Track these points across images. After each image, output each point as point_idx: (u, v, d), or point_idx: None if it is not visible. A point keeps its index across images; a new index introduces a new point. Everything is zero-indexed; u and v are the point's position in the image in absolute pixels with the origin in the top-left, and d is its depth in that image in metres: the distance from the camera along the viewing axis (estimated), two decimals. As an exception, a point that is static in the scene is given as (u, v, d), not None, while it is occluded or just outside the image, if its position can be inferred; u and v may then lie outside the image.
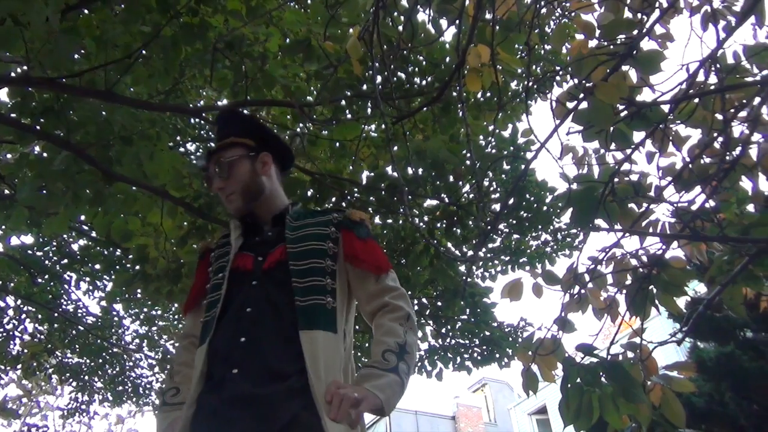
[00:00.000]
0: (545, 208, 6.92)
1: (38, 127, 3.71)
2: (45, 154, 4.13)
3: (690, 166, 2.55)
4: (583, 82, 2.57)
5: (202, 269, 1.80)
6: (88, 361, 9.20)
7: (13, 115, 3.97)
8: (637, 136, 2.53)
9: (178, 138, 5.68)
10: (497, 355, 6.44)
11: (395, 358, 1.43)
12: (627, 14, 2.56)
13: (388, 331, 1.48)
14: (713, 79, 2.57)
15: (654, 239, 2.52)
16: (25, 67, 3.58)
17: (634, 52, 2.49)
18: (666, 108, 2.54)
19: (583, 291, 2.56)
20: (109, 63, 3.25)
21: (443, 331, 6.46)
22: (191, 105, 5.57)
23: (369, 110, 5.14)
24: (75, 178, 3.89)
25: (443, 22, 3.62)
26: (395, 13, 2.95)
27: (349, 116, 5.26)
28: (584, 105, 2.50)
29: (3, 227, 6.10)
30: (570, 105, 2.58)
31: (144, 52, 3.52)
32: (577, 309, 2.57)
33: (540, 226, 7.29)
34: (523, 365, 2.62)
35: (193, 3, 3.42)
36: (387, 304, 1.56)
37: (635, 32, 2.57)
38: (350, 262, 1.61)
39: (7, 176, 5.68)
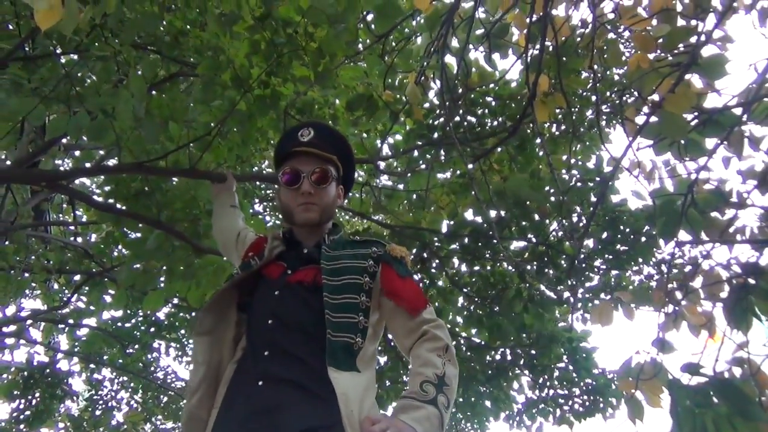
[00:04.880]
0: (643, 238, 6.72)
1: (131, 210, 4.16)
2: (139, 235, 4.59)
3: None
4: (649, 96, 2.66)
5: (262, 239, 1.89)
6: (180, 425, 9.64)
7: (100, 199, 4.49)
8: (709, 142, 2.57)
9: (245, 200, 6.13)
10: (601, 405, 6.14)
11: (434, 389, 1.43)
12: (681, 22, 2.65)
13: (426, 362, 1.49)
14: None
15: (745, 247, 2.50)
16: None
17: (697, 59, 2.56)
18: (738, 110, 2.57)
19: (677, 308, 2.56)
20: (192, 141, 3.64)
21: (540, 381, 6.28)
22: (255, 168, 6.01)
23: (442, 157, 5.33)
24: (168, 255, 4.30)
25: (496, 58, 3.80)
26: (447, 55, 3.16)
27: (423, 166, 5.47)
28: (652, 119, 2.59)
29: (95, 304, 6.72)
30: (638, 120, 2.67)
31: (221, 127, 3.90)
32: (673, 327, 2.56)
33: (641, 259, 7.05)
34: (626, 393, 2.61)
35: (264, 76, 3.77)
36: (425, 333, 1.57)
37: (694, 39, 2.64)
38: (389, 299, 1.64)
39: (96, 255, 6.30)
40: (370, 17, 3.52)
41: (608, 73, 4.60)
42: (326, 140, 1.82)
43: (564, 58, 3.00)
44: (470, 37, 3.15)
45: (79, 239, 7.06)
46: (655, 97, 2.63)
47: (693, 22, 2.61)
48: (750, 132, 2.72)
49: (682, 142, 2.62)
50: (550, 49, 3.25)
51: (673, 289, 2.57)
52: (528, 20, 2.77)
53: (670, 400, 2.37)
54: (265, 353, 1.55)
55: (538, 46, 2.73)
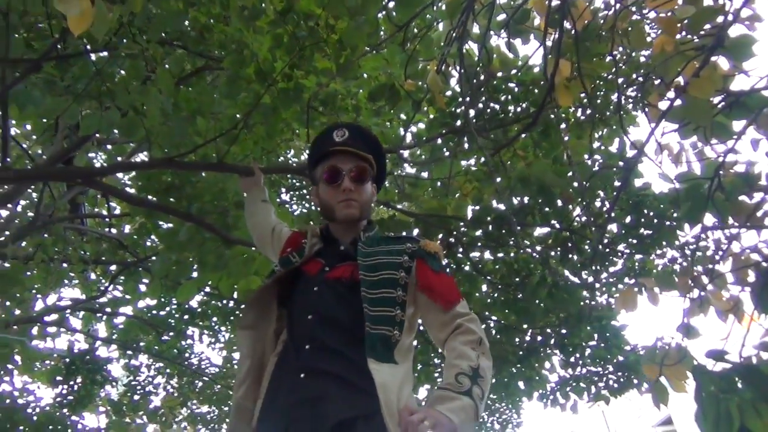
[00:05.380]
0: (668, 222, 6.58)
1: (162, 203, 4.21)
2: (170, 225, 4.65)
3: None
4: (674, 80, 2.57)
5: (299, 235, 1.95)
6: (214, 408, 9.94)
7: (132, 191, 4.54)
8: (737, 125, 2.48)
9: (272, 189, 6.15)
10: (635, 381, 6.09)
11: (469, 381, 1.45)
12: (707, 2, 2.55)
13: (461, 355, 1.52)
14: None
15: (773, 230, 2.42)
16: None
17: (723, 41, 2.47)
18: (767, 92, 2.47)
19: (702, 293, 2.49)
20: (219, 136, 3.65)
21: (572, 360, 6.24)
22: (281, 158, 6.03)
23: (466, 145, 5.28)
24: (199, 247, 4.34)
25: (518, 43, 3.73)
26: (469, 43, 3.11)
27: (446, 153, 5.42)
28: (677, 102, 2.51)
29: (131, 293, 6.86)
30: (662, 106, 2.59)
31: (247, 119, 3.91)
32: (699, 312, 2.50)
33: (664, 243, 6.93)
34: (651, 378, 2.56)
35: (287, 69, 3.76)
36: (459, 326, 1.60)
37: (720, 19, 2.55)
38: (424, 293, 1.67)
39: (130, 246, 6.42)
40: (391, 5, 3.48)
41: (633, 55, 4.46)
42: (360, 140, 1.85)
43: (587, 43, 2.91)
44: (491, 23, 3.08)
45: (114, 230, 7.18)
46: (680, 80, 2.56)
47: (720, 1, 2.52)
48: (779, 113, 2.62)
49: (709, 125, 2.53)
50: (572, 33, 3.18)
51: (699, 274, 2.50)
52: (547, 4, 2.70)
53: (695, 386, 2.33)
54: (306, 347, 1.58)
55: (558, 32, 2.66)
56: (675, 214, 6.38)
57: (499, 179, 5.23)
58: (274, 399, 1.57)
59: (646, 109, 2.46)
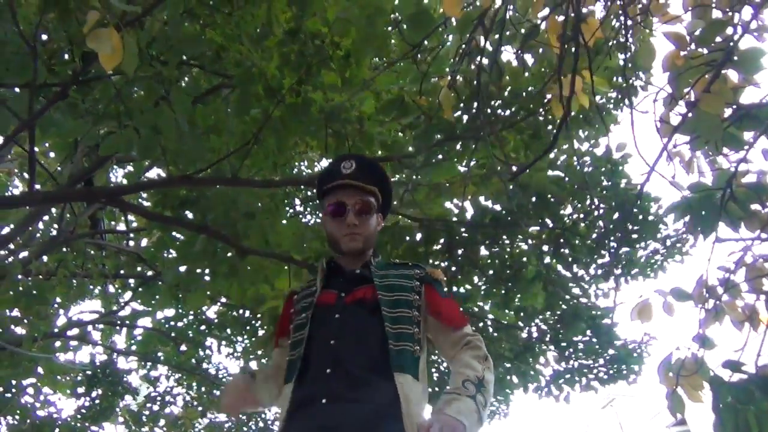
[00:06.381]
0: (650, 217, 6.56)
1: (177, 217, 4.07)
2: (182, 237, 4.50)
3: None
4: (684, 94, 2.44)
5: (286, 309, 1.88)
6: (234, 419, 9.70)
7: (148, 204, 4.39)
8: (747, 134, 2.35)
9: (285, 201, 5.98)
10: (624, 372, 6.10)
11: (474, 388, 1.48)
12: (715, 14, 2.42)
13: (467, 365, 1.55)
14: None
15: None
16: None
17: (732, 56, 2.34)
18: (776, 104, 2.34)
19: (718, 303, 2.37)
20: (232, 153, 3.52)
21: (566, 354, 6.19)
22: (296, 169, 5.90)
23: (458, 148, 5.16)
24: (213, 257, 4.21)
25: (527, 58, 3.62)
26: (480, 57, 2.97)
27: (440, 157, 5.31)
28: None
29: (149, 306, 6.70)
30: (674, 121, 2.46)
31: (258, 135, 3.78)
32: (714, 322, 2.38)
33: (645, 235, 6.93)
34: (668, 388, 2.44)
35: (294, 85, 3.64)
36: (468, 342, 1.63)
37: (730, 31, 2.41)
38: (434, 317, 1.69)
39: (149, 259, 6.26)
40: (403, 24, 3.35)
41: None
42: (367, 172, 1.83)
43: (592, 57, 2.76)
44: (502, 39, 2.94)
45: (132, 243, 6.99)
46: (690, 92, 2.42)
47: (729, 13, 2.38)
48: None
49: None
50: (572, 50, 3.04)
51: (714, 286, 2.38)
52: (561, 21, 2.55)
53: (712, 397, 2.22)
54: (327, 371, 1.54)
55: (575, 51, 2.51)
56: (658, 210, 6.38)
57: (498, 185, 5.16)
58: (294, 426, 1.51)
59: (659, 127, 2.32)
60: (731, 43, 2.32)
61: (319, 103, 3.91)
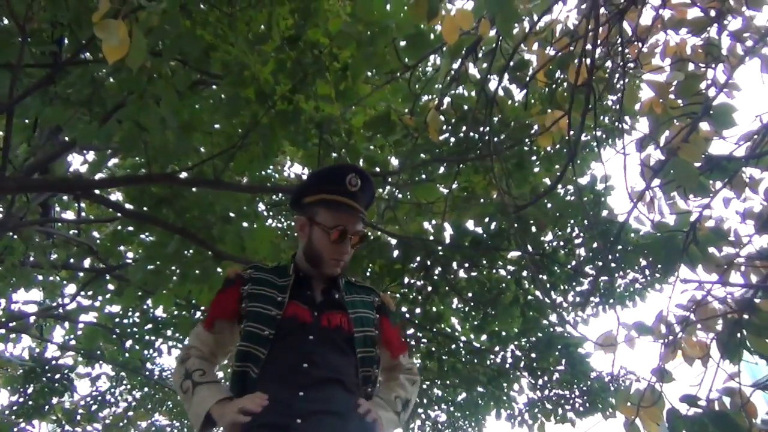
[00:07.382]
0: (630, 248, 6.96)
1: (153, 215, 4.27)
2: (153, 237, 4.69)
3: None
4: (663, 142, 2.82)
5: (232, 292, 1.86)
6: (176, 422, 9.93)
7: (127, 205, 4.61)
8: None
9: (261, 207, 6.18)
10: (600, 406, 6.42)
11: (401, 405, 1.88)
12: (692, 66, 2.81)
13: (401, 385, 1.94)
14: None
15: (739, 280, 2.69)
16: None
17: (710, 110, 2.72)
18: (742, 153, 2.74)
19: (677, 337, 2.73)
20: (217, 155, 3.75)
21: (540, 383, 6.52)
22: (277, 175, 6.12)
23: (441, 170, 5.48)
24: (185, 260, 4.42)
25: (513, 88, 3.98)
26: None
27: (424, 177, 5.61)
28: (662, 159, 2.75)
29: (99, 300, 6.76)
30: (652, 163, 2.83)
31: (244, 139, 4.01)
32: (673, 357, 2.74)
33: (624, 265, 7.31)
34: (626, 418, 2.77)
35: (288, 93, 3.86)
36: (408, 369, 2.01)
37: (704, 86, 2.80)
38: (385, 345, 1.96)
39: (102, 253, 6.34)
40: (400, 43, 3.64)
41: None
42: (367, 193, 1.94)
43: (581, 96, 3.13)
44: (492, 68, 3.28)
45: (79, 233, 6.99)
46: (667, 139, 2.80)
47: (703, 69, 2.77)
48: (750, 175, 2.89)
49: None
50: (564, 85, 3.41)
51: (673, 323, 2.74)
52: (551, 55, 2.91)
53: (669, 429, 2.54)
54: (300, 393, 1.64)
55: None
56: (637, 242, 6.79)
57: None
58: None
59: (642, 170, 2.70)
60: (707, 99, 2.71)
61: (309, 112, 4.16)
